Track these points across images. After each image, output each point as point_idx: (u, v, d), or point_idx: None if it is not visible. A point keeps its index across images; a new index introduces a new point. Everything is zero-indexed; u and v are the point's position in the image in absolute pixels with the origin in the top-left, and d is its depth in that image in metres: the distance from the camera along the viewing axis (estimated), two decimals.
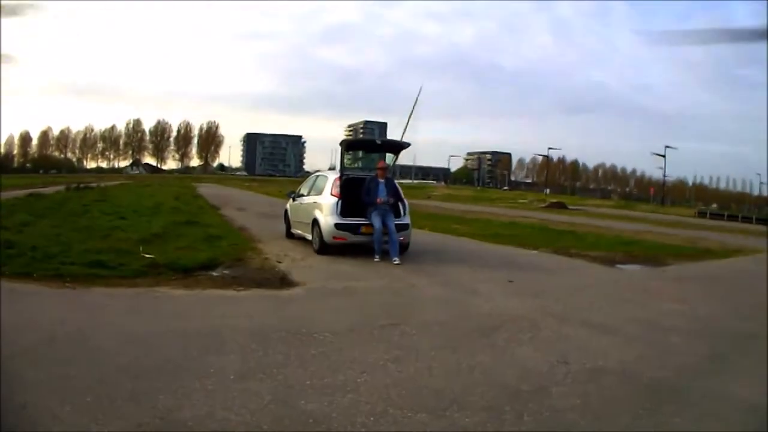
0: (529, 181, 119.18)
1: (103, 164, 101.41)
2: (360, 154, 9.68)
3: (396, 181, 8.33)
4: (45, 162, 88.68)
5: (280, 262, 7.06)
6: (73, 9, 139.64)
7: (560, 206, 33.73)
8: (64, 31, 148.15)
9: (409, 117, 9.00)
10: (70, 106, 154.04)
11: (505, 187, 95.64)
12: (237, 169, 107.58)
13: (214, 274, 6.16)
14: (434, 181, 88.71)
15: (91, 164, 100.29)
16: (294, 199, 9.63)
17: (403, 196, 8.24)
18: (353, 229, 7.76)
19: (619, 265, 8.40)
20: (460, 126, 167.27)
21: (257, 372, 3.19)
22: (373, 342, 3.92)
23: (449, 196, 44.58)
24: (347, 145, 8.71)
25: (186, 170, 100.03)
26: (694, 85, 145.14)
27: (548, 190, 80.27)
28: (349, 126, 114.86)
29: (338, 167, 8.52)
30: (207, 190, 33.08)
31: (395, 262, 7.31)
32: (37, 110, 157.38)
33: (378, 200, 7.70)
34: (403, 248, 7.89)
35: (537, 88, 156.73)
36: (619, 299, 5.85)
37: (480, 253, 9.09)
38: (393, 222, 7.68)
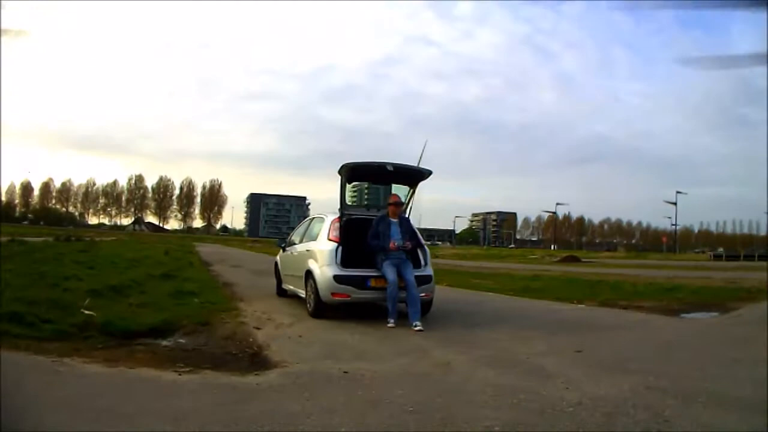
0: (534, 238, 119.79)
1: (105, 220, 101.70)
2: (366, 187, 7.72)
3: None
4: (46, 214, 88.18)
5: (258, 329, 5.22)
6: (76, 61, 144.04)
7: (574, 260, 33.81)
8: (67, 84, 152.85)
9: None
10: (71, 159, 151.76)
11: (512, 245, 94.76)
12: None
13: (164, 343, 4.54)
14: (440, 242, 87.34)
15: (93, 220, 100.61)
16: (284, 249, 7.94)
17: (422, 240, 6.46)
18: (358, 282, 5.86)
19: (683, 315, 7.28)
20: (464, 186, 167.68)
21: None
22: None
23: (457, 255, 42.74)
24: (348, 173, 6.32)
25: (189, 230, 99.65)
26: (696, 130, 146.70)
27: (555, 246, 79.09)
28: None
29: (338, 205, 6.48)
30: (206, 248, 31.30)
31: (417, 328, 5.39)
32: (38, 162, 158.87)
33: (391, 244, 5.91)
34: (426, 308, 6.01)
35: (541, 143, 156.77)
36: (727, 358, 4.40)
37: (518, 312, 7.31)
38: (412, 273, 5.84)
